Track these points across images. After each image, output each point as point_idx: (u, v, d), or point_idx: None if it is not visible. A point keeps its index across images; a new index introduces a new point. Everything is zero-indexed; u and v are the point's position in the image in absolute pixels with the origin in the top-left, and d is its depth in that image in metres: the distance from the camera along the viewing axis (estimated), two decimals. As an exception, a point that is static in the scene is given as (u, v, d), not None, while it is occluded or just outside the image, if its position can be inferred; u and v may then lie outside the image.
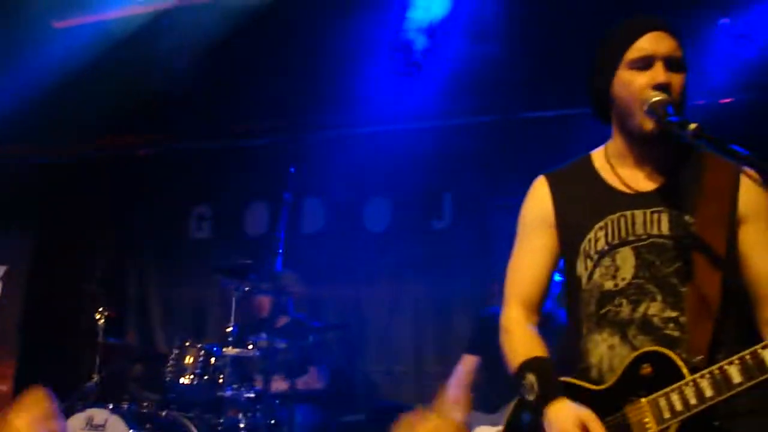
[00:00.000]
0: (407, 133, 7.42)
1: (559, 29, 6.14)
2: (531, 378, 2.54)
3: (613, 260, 2.55)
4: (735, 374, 2.25)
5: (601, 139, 2.77)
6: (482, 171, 7.11)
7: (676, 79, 2.51)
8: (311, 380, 6.55)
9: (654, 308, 2.48)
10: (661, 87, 2.47)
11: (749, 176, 2.39)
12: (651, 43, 2.52)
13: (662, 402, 2.33)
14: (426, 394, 7.05)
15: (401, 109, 7.18)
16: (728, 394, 2.26)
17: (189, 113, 7.67)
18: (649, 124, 2.48)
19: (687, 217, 2.51)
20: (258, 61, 7.06)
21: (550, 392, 2.49)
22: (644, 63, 2.51)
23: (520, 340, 2.69)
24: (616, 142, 2.69)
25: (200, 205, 8.42)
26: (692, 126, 2.33)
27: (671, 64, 2.51)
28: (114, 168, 8.54)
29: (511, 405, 2.74)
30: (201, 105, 7.51)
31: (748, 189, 2.52)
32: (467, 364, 5.65)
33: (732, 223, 2.51)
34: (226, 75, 7.34)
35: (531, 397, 2.52)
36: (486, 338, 5.54)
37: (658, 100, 2.43)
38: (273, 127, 7.90)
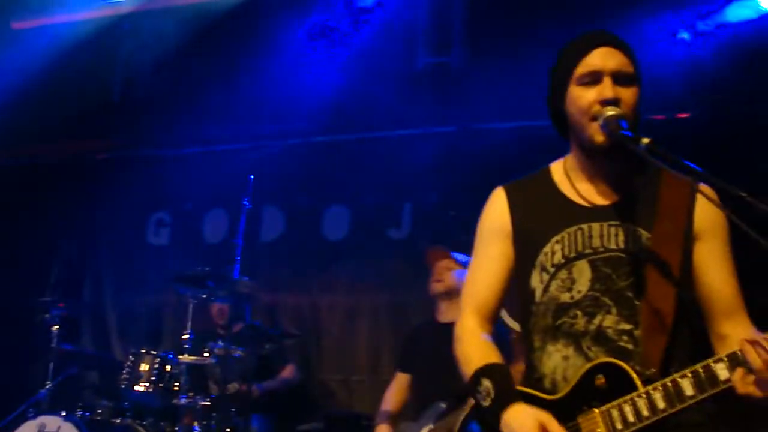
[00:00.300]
0: (367, 142, 7.44)
1: (519, 41, 6.18)
2: (486, 384, 2.51)
3: (570, 273, 2.57)
4: (687, 387, 2.28)
5: (560, 151, 2.79)
6: (442, 182, 7.13)
7: (626, 94, 2.51)
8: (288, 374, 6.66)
9: (609, 320, 2.50)
10: (609, 102, 2.48)
11: (705, 193, 2.41)
12: (599, 58, 2.53)
13: (615, 413, 2.36)
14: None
15: (361, 118, 7.20)
16: (680, 407, 2.29)
17: (149, 119, 7.62)
18: (599, 137, 2.49)
19: (643, 232, 2.54)
20: (218, 68, 7.04)
21: (506, 397, 2.47)
22: (592, 78, 2.53)
23: (475, 348, 2.67)
24: (573, 156, 2.71)
25: (159, 212, 8.36)
26: (645, 141, 2.36)
27: (620, 78, 2.52)
28: (72, 172, 8.45)
29: (460, 417, 2.75)
30: (161, 111, 7.47)
31: (703, 206, 2.54)
32: (400, 382, 5.69)
33: (687, 239, 2.55)
34: (186, 81, 7.31)
35: (486, 403, 2.49)
36: (410, 352, 5.64)
37: (612, 115, 2.45)
38: (233, 135, 7.86)
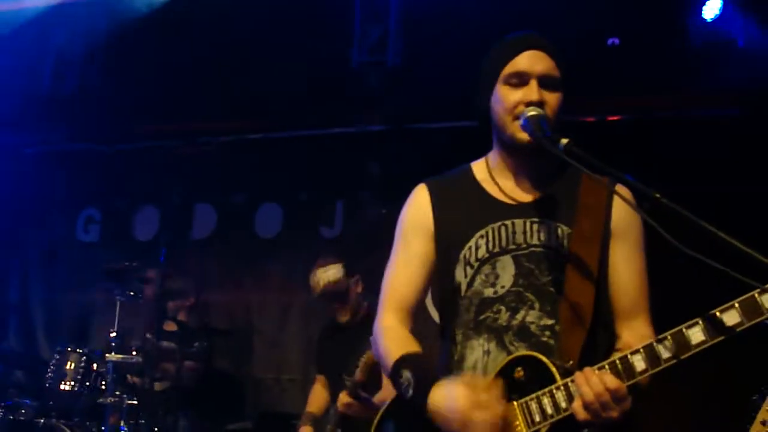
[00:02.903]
0: (301, 140, 7.42)
1: (454, 40, 6.21)
2: (406, 374, 2.50)
3: (494, 268, 2.60)
4: None
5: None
6: (375, 181, 7.13)
7: (551, 98, 2.57)
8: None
9: (532, 316, 2.54)
10: (533, 104, 2.53)
11: (621, 194, 2.47)
12: (527, 61, 2.58)
13: (533, 405, 2.39)
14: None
15: (296, 116, 7.18)
16: None
17: (80, 113, 7.50)
18: (522, 135, 2.54)
19: (564, 229, 2.59)
20: (151, 64, 6.95)
21: (425, 382, 2.46)
22: (519, 80, 2.58)
23: (393, 340, 2.67)
24: (495, 154, 2.75)
25: (89, 208, 8.23)
26: (564, 141, 2.40)
27: (546, 83, 2.57)
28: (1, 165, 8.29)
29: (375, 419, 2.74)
30: (93, 106, 7.36)
31: (619, 207, 2.61)
32: (321, 383, 5.71)
33: (605, 237, 2.59)
34: (119, 76, 7.21)
35: (410, 393, 2.48)
36: (320, 353, 5.75)
37: (534, 115, 2.50)
38: (166, 131, 7.78)
